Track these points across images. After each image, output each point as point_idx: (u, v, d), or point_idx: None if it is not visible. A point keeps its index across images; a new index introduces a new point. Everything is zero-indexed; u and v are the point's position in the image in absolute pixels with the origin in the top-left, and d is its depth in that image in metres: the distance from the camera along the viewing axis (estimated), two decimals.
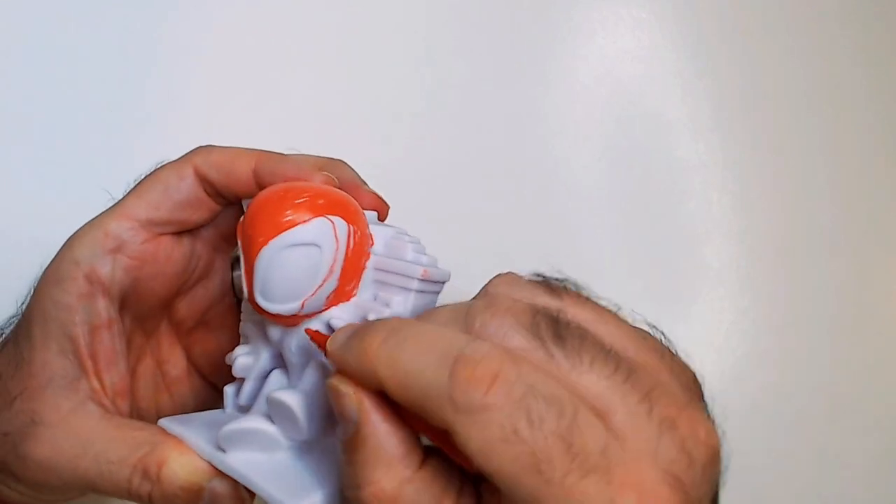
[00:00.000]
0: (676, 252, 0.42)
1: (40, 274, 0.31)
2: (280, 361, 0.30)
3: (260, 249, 0.26)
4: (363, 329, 0.24)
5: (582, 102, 0.43)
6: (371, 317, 0.28)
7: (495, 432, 0.21)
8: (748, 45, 0.44)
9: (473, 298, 0.26)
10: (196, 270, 0.33)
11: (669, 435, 0.22)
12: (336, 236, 0.27)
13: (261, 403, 0.29)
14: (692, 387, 0.25)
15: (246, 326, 0.31)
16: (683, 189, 0.43)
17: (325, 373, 0.28)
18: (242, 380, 0.30)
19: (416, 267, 0.27)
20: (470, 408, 0.21)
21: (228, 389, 0.31)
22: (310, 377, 0.28)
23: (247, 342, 0.31)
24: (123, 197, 0.31)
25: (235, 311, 0.35)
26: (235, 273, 0.34)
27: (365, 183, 0.32)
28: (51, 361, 0.29)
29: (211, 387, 0.35)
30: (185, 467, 0.28)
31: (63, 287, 0.29)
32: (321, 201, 0.27)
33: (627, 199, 0.43)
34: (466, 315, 0.25)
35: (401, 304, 0.28)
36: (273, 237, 0.26)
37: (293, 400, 0.27)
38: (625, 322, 0.25)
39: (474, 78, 0.43)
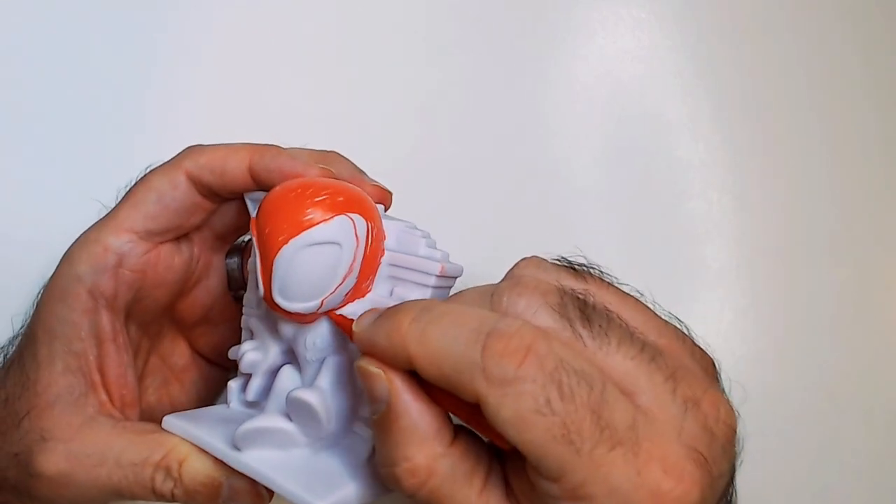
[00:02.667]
0: (676, 252, 0.42)
1: (41, 289, 0.31)
2: (291, 357, 0.29)
3: (280, 248, 0.25)
4: (392, 310, 0.24)
5: (582, 102, 0.43)
6: None
7: (528, 404, 0.21)
8: (748, 45, 0.44)
9: (501, 281, 0.27)
10: (195, 272, 0.33)
11: (693, 414, 0.23)
12: (356, 234, 0.27)
13: (275, 400, 0.29)
14: (710, 370, 0.26)
15: (251, 321, 0.30)
16: (683, 189, 0.43)
17: (344, 367, 0.28)
18: (247, 374, 0.30)
19: (433, 263, 0.27)
20: (503, 380, 0.21)
21: (233, 384, 0.31)
22: (328, 373, 0.28)
23: (251, 337, 0.30)
24: (117, 206, 0.30)
25: (236, 305, 0.35)
26: (229, 262, 0.34)
27: (364, 173, 0.32)
28: (56, 380, 0.29)
29: (218, 368, 0.36)
30: (205, 463, 0.28)
31: (67, 303, 0.29)
32: (341, 198, 0.27)
33: (627, 199, 0.43)
34: (493, 295, 0.25)
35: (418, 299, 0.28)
36: (294, 235, 0.25)
37: (314, 398, 0.27)
38: (647, 307, 0.26)
39: (474, 78, 0.43)
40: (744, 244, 0.43)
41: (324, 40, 0.43)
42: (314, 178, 0.28)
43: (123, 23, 0.42)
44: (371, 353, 0.24)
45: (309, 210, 0.26)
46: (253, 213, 0.29)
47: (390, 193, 0.31)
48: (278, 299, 0.26)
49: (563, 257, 0.27)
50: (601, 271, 0.27)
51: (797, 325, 0.42)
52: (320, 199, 0.26)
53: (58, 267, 0.30)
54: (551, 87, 0.44)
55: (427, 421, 0.24)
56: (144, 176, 0.30)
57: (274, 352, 0.30)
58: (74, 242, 0.30)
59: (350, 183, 0.29)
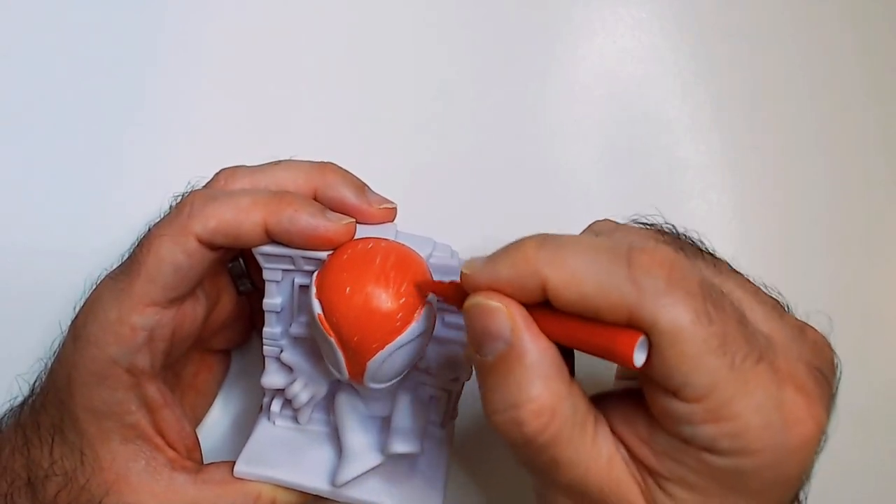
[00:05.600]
0: None
1: (52, 354, 0.31)
2: (340, 385, 0.31)
3: (375, 354, 0.26)
4: (509, 245, 0.23)
5: (582, 102, 0.43)
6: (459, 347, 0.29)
7: (685, 315, 0.21)
8: (748, 45, 0.44)
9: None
10: (210, 303, 0.33)
11: (802, 338, 0.24)
12: (434, 312, 0.27)
13: (344, 424, 0.30)
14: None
15: (286, 357, 0.31)
16: (683, 189, 0.43)
17: (412, 393, 0.30)
18: (281, 393, 0.32)
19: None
20: (656, 291, 0.21)
21: (275, 407, 0.32)
22: (405, 407, 0.30)
23: (289, 371, 0.31)
24: (132, 278, 0.29)
25: (244, 306, 0.36)
26: (231, 266, 0.34)
27: (366, 188, 0.31)
28: (119, 452, 0.29)
29: (220, 353, 0.37)
30: (292, 494, 0.31)
31: (108, 386, 0.29)
32: (417, 285, 0.26)
33: (627, 199, 0.43)
34: (598, 234, 0.25)
35: None
36: (389, 342, 0.26)
37: (416, 447, 0.29)
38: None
39: (473, 78, 0.43)
40: (744, 244, 0.43)
41: (326, 42, 0.43)
42: (374, 256, 0.27)
43: (123, 23, 0.42)
44: (493, 288, 0.23)
45: (397, 314, 0.26)
46: (264, 265, 0.29)
47: (395, 208, 0.31)
48: (370, 384, 0.27)
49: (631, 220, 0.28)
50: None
51: None
52: (404, 299, 0.26)
53: (76, 344, 0.29)
54: (551, 87, 0.44)
55: (551, 357, 0.23)
56: (151, 242, 0.29)
57: (323, 386, 0.31)
58: (89, 316, 0.29)
59: (352, 211, 0.29)
